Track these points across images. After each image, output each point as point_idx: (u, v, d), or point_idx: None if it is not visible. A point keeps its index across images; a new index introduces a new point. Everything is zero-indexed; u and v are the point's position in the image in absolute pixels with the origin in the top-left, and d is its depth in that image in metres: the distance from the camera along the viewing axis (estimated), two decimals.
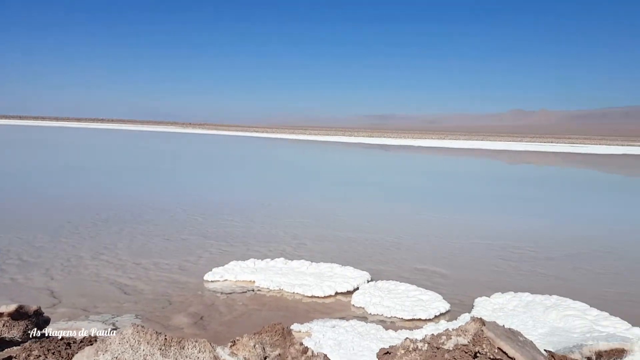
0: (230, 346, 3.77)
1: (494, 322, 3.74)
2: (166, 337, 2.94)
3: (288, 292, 7.07)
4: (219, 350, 3.68)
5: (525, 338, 3.72)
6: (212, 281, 7.46)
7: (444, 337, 3.56)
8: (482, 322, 3.65)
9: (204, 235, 10.36)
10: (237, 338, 3.83)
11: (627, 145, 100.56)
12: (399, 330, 5.83)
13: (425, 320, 6.25)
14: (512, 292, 7.05)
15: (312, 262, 8.34)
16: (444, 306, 6.63)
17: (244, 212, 13.14)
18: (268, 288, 7.19)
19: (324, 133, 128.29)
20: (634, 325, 5.89)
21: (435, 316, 6.35)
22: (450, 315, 6.45)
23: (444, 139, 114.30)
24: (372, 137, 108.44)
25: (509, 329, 3.73)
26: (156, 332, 2.96)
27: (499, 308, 6.52)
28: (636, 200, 19.76)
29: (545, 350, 3.57)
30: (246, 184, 20.14)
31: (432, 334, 3.62)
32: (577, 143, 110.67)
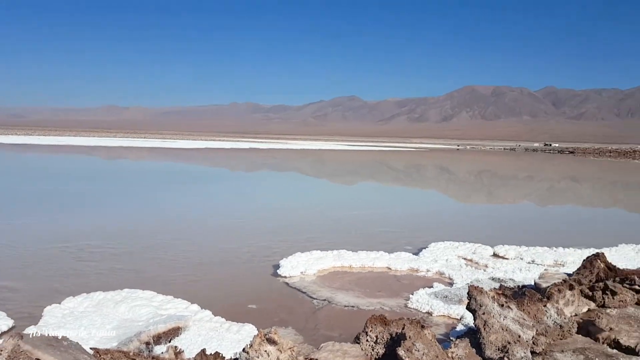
0: None
1: (35, 333, 3.60)
2: None
3: None
4: None
5: (70, 342, 3.71)
6: None
7: None
8: (20, 336, 3.45)
9: None
10: None
11: (210, 140, 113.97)
12: None
13: None
14: (85, 294, 6.95)
15: None
16: (7, 324, 5.98)
17: None
18: None
19: None
20: (192, 302, 6.71)
21: None
22: (14, 332, 5.84)
23: (31, 134, 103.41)
24: None
25: (53, 336, 3.65)
26: None
27: (69, 313, 6.32)
28: (213, 189, 22.53)
29: (91, 348, 3.64)
30: None
31: None
32: (167, 138, 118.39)
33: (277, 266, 8.90)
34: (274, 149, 79.99)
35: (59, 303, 6.62)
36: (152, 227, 12.47)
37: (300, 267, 8.75)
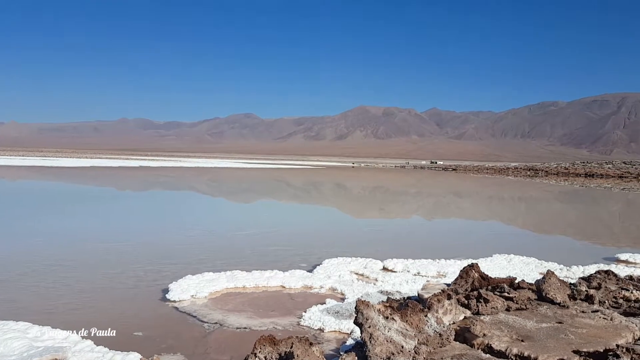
0: None
1: None
2: None
3: None
4: None
5: None
6: None
7: None
8: None
9: None
10: None
11: (96, 158, 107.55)
12: None
13: None
14: None
15: None
16: None
17: None
18: None
19: None
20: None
21: None
22: None
23: None
24: None
25: None
26: None
27: None
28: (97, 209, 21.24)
29: None
30: None
31: None
32: (49, 156, 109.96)
33: (166, 290, 8.58)
34: (166, 167, 77.30)
35: None
36: (27, 253, 11.46)
37: (191, 290, 8.51)
